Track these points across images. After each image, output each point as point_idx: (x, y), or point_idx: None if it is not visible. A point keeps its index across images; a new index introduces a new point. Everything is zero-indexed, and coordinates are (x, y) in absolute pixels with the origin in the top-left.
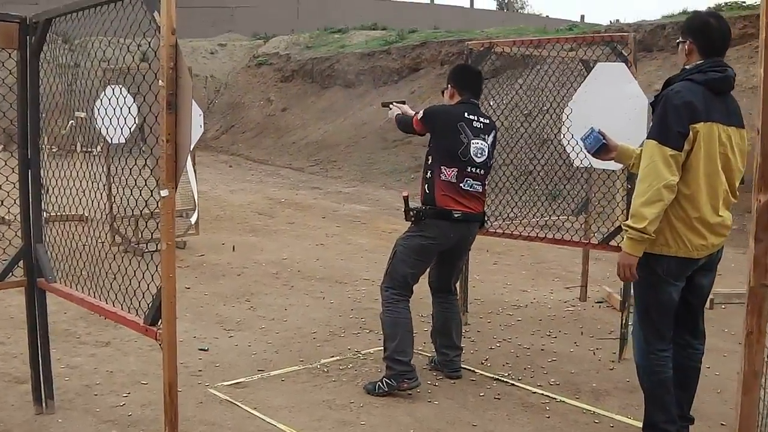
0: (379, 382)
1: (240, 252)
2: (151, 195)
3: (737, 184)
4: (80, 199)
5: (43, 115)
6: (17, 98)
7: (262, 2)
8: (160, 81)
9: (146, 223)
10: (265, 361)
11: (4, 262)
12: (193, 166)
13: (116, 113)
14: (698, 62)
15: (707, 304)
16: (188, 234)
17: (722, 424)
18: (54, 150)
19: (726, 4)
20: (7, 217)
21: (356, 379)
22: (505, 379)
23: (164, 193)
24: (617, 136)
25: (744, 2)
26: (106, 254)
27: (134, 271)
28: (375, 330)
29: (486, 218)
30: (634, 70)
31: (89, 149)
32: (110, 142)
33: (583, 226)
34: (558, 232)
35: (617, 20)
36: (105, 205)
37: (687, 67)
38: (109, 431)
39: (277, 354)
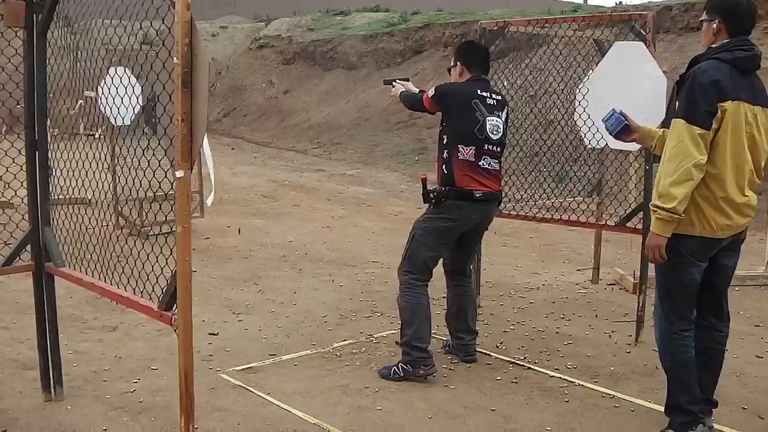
0: (395, 367)
1: (246, 235)
2: (154, 177)
3: (762, 164)
4: (84, 182)
5: (51, 95)
6: (24, 78)
7: None
8: (174, 58)
9: (150, 205)
10: (277, 346)
11: (10, 246)
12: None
13: (120, 94)
14: (725, 41)
15: None
16: (193, 217)
17: (744, 408)
18: (55, 133)
19: None
20: (13, 201)
21: (370, 364)
22: (521, 363)
23: (179, 174)
24: (635, 116)
25: None
26: (111, 238)
27: (146, 255)
28: (386, 313)
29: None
30: (652, 49)
31: (90, 132)
32: (114, 123)
33: (597, 207)
34: (566, 213)
35: (620, 2)
36: (110, 187)
37: (713, 46)
38: (120, 418)
39: (288, 338)
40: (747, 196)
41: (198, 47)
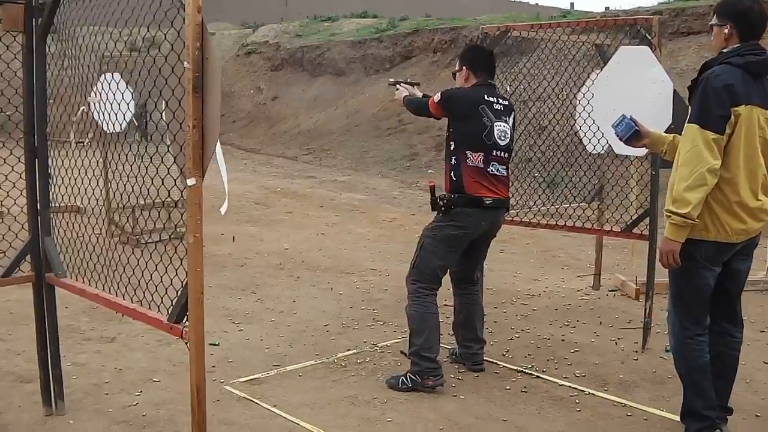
0: (403, 377)
1: (240, 242)
2: (152, 184)
3: None
4: (76, 190)
5: (51, 101)
6: (23, 84)
7: None
8: (185, 63)
9: (142, 213)
10: (280, 356)
11: (9, 257)
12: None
13: (112, 101)
14: (736, 45)
15: None
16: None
17: (757, 416)
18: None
19: None
20: (6, 209)
21: (376, 374)
22: (529, 372)
23: (191, 182)
24: (642, 121)
25: None
26: (106, 246)
27: (145, 264)
28: (388, 322)
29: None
30: (658, 53)
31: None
32: (107, 130)
33: (595, 213)
34: (562, 219)
35: (607, 8)
36: (102, 195)
37: (725, 50)
38: None
39: (291, 348)
40: (761, 200)
41: (209, 51)
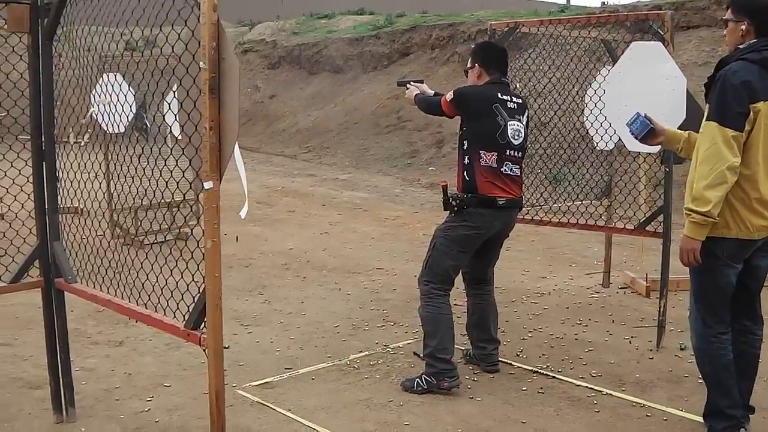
0: (418, 379)
1: (244, 242)
2: (157, 185)
3: None
4: (77, 191)
5: (58, 103)
6: (29, 85)
7: None
8: (201, 63)
9: (146, 214)
10: (292, 359)
11: (16, 263)
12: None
13: (114, 102)
14: (752, 41)
15: None
16: (192, 225)
17: None
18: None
19: None
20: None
21: (390, 376)
22: (545, 372)
23: (208, 185)
24: (654, 118)
25: None
26: (109, 248)
27: (150, 266)
28: (399, 322)
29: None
30: (671, 49)
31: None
32: (108, 131)
33: (603, 210)
34: (568, 216)
35: (604, 2)
36: (103, 196)
37: (741, 46)
38: None
39: (302, 350)
40: None
41: (226, 50)
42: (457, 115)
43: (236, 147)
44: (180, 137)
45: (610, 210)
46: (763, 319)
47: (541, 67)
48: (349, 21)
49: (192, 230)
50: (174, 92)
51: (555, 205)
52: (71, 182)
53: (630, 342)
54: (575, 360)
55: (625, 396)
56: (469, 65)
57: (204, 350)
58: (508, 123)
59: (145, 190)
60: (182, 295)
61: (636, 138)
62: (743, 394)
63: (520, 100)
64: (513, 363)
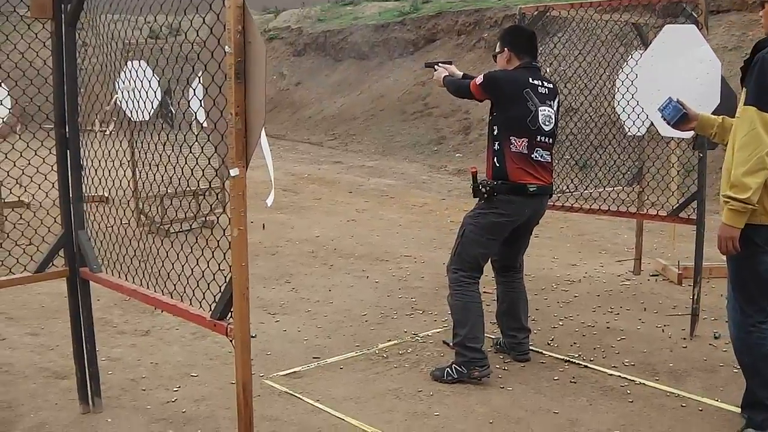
0: (448, 368)
1: (270, 230)
2: (182, 173)
3: None
4: (103, 180)
5: (82, 90)
6: (53, 73)
7: None
8: (226, 47)
9: (171, 202)
10: (319, 348)
11: (41, 252)
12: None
13: (138, 89)
14: None
15: None
16: (217, 213)
17: None
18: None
19: None
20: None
21: (419, 365)
22: (576, 361)
23: (234, 172)
24: (689, 103)
25: None
26: (134, 236)
27: (176, 255)
28: (428, 310)
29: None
30: (705, 31)
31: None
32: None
33: (633, 196)
34: (596, 203)
35: None
36: (128, 184)
37: None
38: (164, 431)
39: (329, 339)
40: None
41: (252, 34)
42: (486, 99)
43: (263, 133)
44: (205, 124)
45: (642, 196)
46: None
47: (571, 52)
48: (375, 7)
49: (218, 218)
50: (199, 78)
51: (586, 191)
52: (95, 170)
53: (663, 330)
54: (607, 349)
55: (658, 386)
56: (498, 49)
57: (231, 341)
58: (539, 108)
59: (170, 178)
60: (208, 284)
61: (668, 123)
62: None
63: (551, 85)
64: (544, 352)
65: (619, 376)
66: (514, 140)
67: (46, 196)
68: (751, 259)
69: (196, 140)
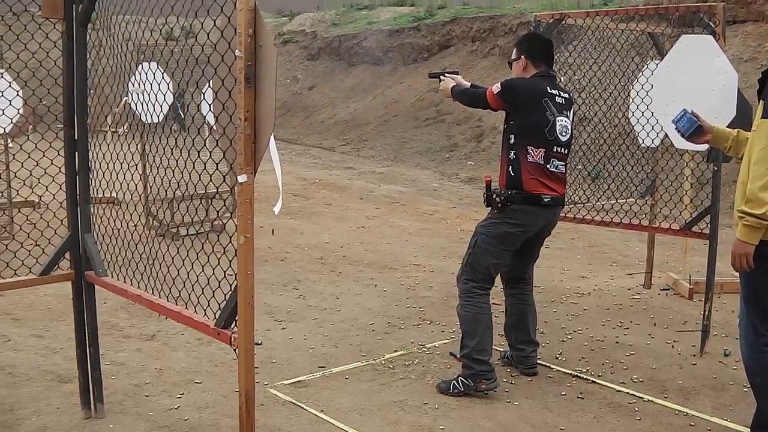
0: (455, 381)
1: (279, 235)
2: (190, 177)
3: None
4: (112, 181)
5: (91, 92)
6: (63, 73)
7: None
8: (236, 51)
9: (179, 205)
10: (325, 357)
11: (46, 254)
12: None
13: (150, 91)
14: None
15: None
16: (227, 217)
17: None
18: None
19: None
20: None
21: (425, 377)
22: (584, 376)
23: (242, 179)
24: (704, 114)
25: None
26: (143, 239)
27: (182, 260)
28: (435, 321)
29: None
30: (722, 42)
31: (115, 129)
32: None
33: (645, 208)
34: (608, 215)
35: None
36: (137, 187)
37: None
38: None
39: (336, 348)
40: None
41: (263, 38)
42: (502, 108)
43: (272, 139)
44: (215, 128)
45: (654, 209)
46: None
47: (586, 61)
48: (389, 12)
49: (225, 224)
50: (209, 82)
51: (598, 203)
52: (103, 173)
53: (672, 346)
54: (616, 364)
55: (667, 403)
56: (513, 56)
57: (234, 350)
58: (557, 118)
59: (178, 183)
60: (213, 292)
61: (682, 136)
62: None
63: (567, 95)
64: (552, 366)
65: (627, 392)
66: (532, 150)
67: (54, 197)
68: (765, 276)
69: (205, 144)
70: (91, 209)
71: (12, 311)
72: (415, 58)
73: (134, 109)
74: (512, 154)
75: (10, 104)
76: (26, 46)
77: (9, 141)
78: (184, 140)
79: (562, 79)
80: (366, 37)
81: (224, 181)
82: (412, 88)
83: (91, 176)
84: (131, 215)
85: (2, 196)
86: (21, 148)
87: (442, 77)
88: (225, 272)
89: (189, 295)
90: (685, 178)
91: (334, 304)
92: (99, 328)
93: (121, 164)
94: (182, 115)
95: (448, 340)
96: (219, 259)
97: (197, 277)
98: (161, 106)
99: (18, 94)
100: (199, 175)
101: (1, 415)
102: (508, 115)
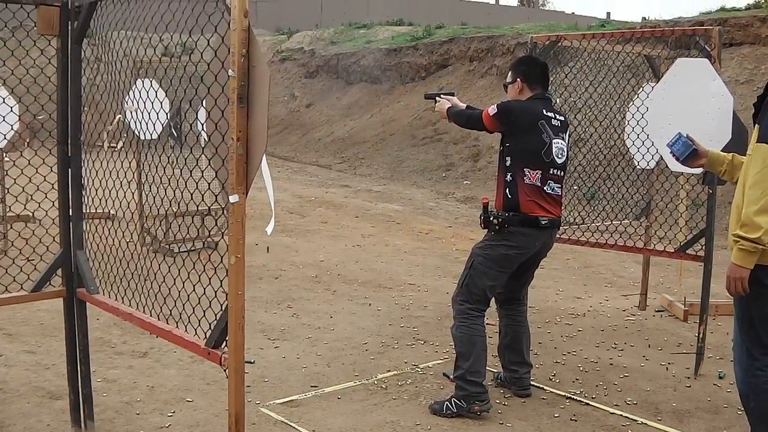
0: (448, 402)
1: (275, 253)
2: (184, 192)
3: None
4: (107, 197)
5: (85, 108)
6: (57, 90)
7: None
8: (229, 71)
9: (174, 221)
10: (318, 376)
11: (38, 271)
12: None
13: (147, 108)
14: None
15: None
16: (220, 234)
17: None
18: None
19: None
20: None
21: (418, 397)
22: (578, 398)
23: (233, 199)
24: (699, 137)
25: None
26: (137, 256)
27: (174, 277)
28: (429, 341)
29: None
30: (718, 66)
31: (112, 144)
32: (141, 137)
33: (641, 230)
34: (603, 237)
35: (644, 18)
36: (133, 202)
37: None
38: None
39: (329, 367)
40: None
41: (256, 58)
42: (498, 130)
43: (264, 160)
44: (208, 147)
45: (650, 231)
46: None
47: (582, 83)
48: (388, 31)
49: (217, 243)
50: (202, 102)
51: (593, 225)
52: (95, 189)
53: (667, 368)
54: (609, 386)
55: (661, 426)
56: (509, 79)
57: (224, 370)
58: (553, 141)
59: (169, 200)
60: (204, 311)
61: (677, 159)
62: None
63: (562, 118)
64: (545, 387)
65: (621, 414)
66: (528, 172)
67: (46, 214)
68: (760, 300)
69: (197, 163)
70: (85, 225)
71: (4, 326)
72: (412, 77)
73: (130, 125)
74: (509, 176)
75: (4, 120)
76: (21, 62)
77: (3, 156)
78: (176, 158)
79: (558, 100)
80: (364, 55)
81: (216, 200)
82: (410, 106)
83: (84, 193)
84: (123, 233)
85: None
86: (14, 164)
87: (437, 98)
88: (216, 291)
89: (180, 313)
90: (680, 200)
91: (327, 323)
92: (91, 344)
93: (115, 180)
94: (176, 134)
95: (441, 361)
96: (210, 278)
97: (188, 295)
98: (160, 122)
99: (12, 110)
100: (191, 194)
101: None
102: (503, 136)
